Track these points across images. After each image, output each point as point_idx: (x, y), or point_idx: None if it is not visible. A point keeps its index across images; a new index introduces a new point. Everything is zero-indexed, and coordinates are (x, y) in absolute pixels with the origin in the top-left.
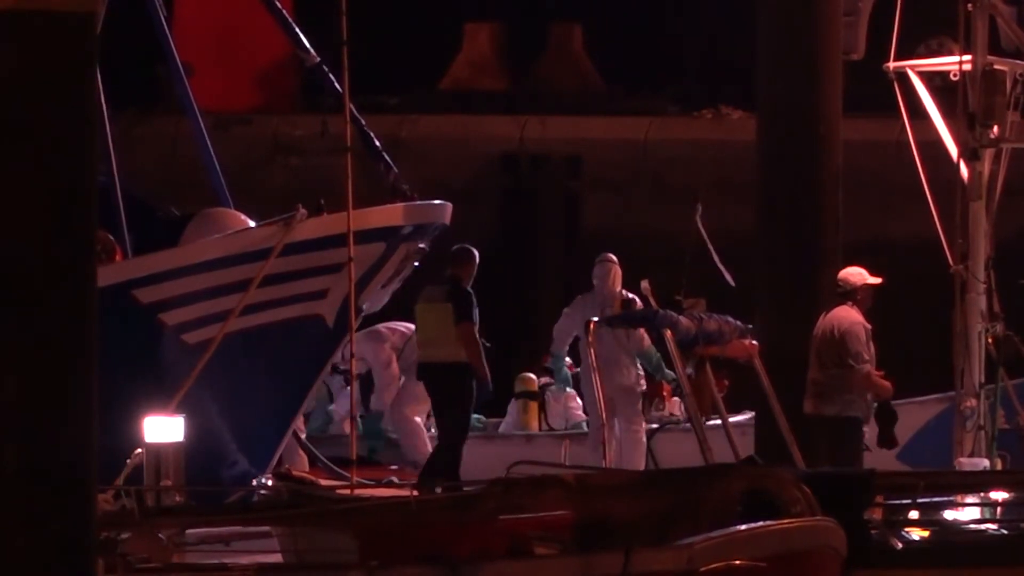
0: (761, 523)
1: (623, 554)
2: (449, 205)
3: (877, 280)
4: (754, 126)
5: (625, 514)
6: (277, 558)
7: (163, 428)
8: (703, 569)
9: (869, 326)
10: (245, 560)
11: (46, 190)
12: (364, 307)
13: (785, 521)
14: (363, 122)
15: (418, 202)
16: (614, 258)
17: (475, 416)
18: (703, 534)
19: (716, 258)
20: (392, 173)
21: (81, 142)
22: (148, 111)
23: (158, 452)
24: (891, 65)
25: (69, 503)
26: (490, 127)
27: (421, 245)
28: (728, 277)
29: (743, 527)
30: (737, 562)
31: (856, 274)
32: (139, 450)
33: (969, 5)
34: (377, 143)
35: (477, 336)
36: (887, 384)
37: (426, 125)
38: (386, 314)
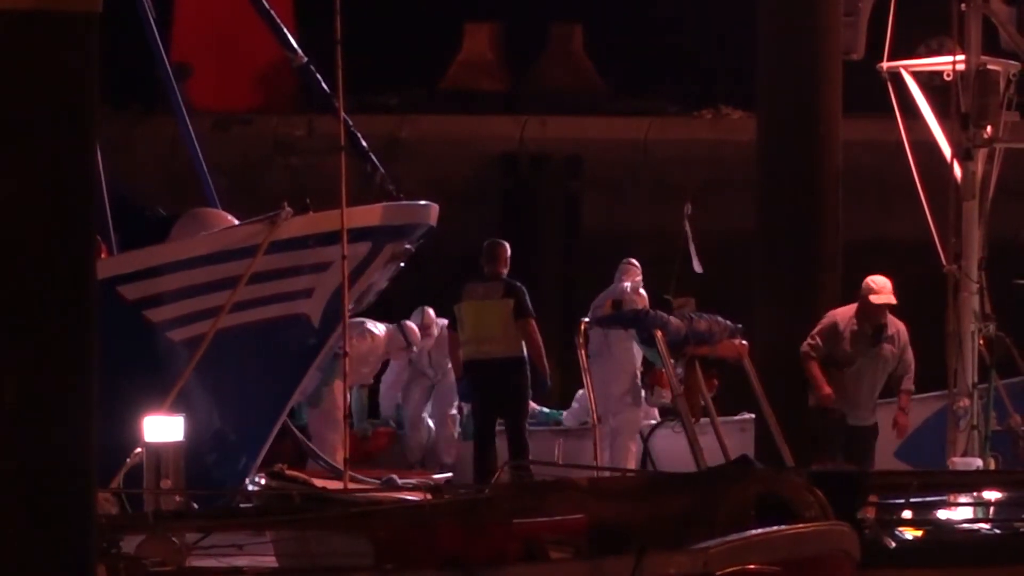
0: (776, 527)
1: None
2: (435, 206)
3: (882, 300)
4: (754, 126)
5: (639, 518)
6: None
7: (162, 427)
8: (718, 573)
9: (855, 327)
10: (259, 564)
11: (46, 190)
12: (350, 307)
13: (799, 525)
14: (350, 122)
15: (403, 202)
16: (635, 262)
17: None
18: (718, 538)
19: (692, 248)
20: (379, 173)
21: (81, 142)
22: (148, 111)
23: (158, 451)
24: (885, 65)
25: (69, 504)
26: (490, 127)
27: (407, 245)
28: (696, 263)
29: (758, 531)
30: (752, 566)
31: (868, 283)
32: (138, 449)
33: (963, 5)
34: (364, 143)
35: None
36: (816, 383)
37: (426, 125)
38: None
